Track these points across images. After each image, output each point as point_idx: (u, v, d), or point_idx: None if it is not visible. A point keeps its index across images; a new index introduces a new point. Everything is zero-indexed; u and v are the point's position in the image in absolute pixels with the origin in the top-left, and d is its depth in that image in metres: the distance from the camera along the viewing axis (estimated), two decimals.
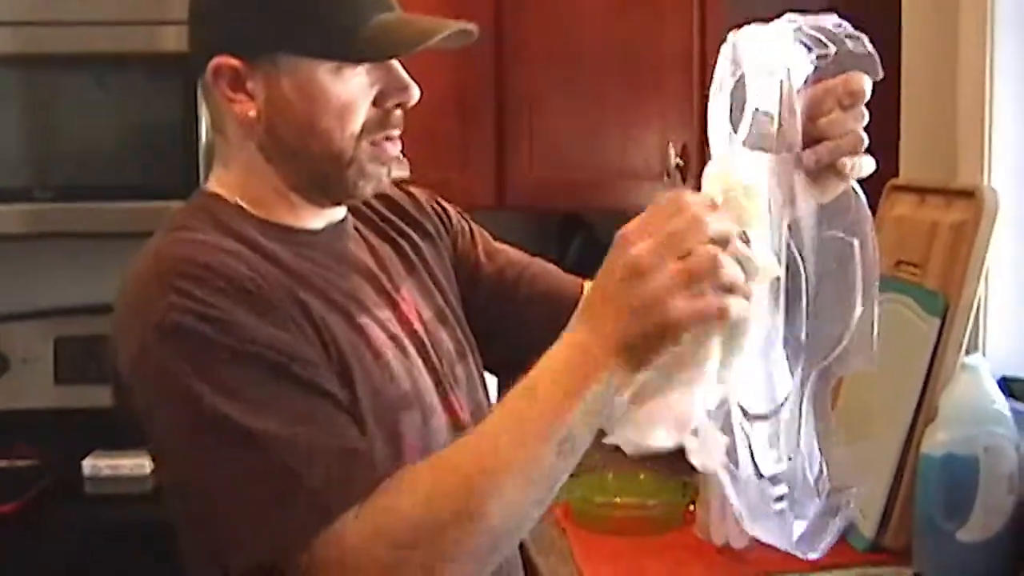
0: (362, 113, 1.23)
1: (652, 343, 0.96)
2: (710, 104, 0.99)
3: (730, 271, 0.94)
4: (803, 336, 1.01)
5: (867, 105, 1.06)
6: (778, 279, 0.99)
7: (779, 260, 0.99)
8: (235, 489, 1.06)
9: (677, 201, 0.97)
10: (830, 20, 1.03)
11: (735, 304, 0.94)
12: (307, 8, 1.20)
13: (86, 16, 2.40)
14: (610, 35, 2.53)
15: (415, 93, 1.25)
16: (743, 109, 1.00)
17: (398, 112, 1.26)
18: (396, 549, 1.02)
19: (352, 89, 1.22)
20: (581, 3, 2.55)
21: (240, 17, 1.22)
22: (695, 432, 0.96)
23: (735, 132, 0.99)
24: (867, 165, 1.07)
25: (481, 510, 1.01)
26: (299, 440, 1.06)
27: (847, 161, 1.05)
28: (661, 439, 0.96)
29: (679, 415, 0.96)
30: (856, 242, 1.02)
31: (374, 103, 1.24)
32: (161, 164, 2.35)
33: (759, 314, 0.98)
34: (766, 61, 1.00)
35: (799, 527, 0.99)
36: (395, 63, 1.25)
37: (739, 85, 1.00)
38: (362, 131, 1.23)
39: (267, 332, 1.11)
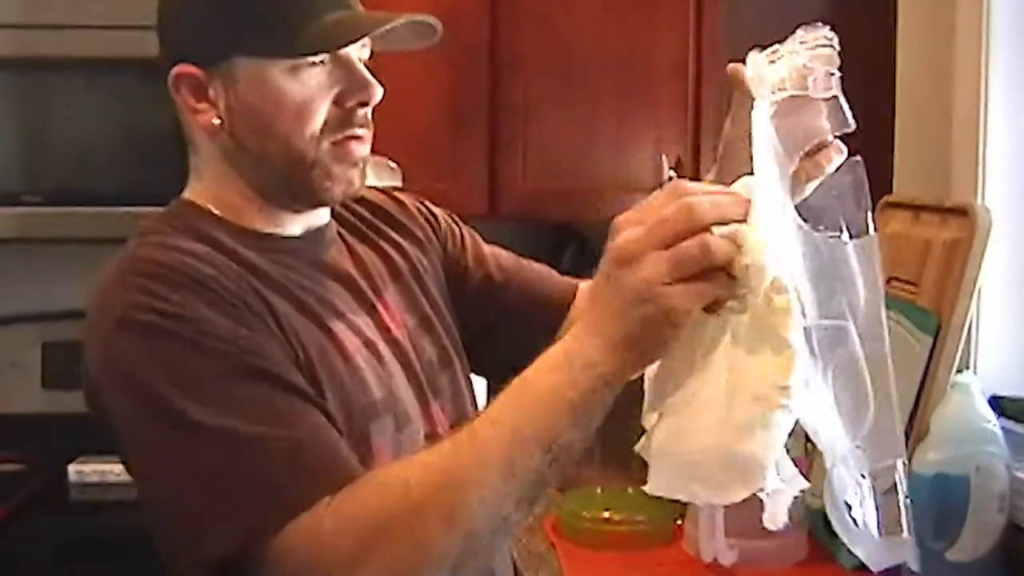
0: (321, 113, 1.21)
1: (650, 333, 0.91)
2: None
3: (723, 250, 0.89)
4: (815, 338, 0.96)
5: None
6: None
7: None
8: (199, 483, 1.05)
9: (674, 190, 0.92)
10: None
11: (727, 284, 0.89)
12: (257, 10, 1.19)
13: (77, 20, 2.39)
14: (604, 45, 2.53)
15: (377, 91, 1.23)
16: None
17: (361, 111, 1.24)
18: (369, 538, 1.00)
19: (309, 89, 1.20)
20: (576, 13, 2.55)
21: (193, 25, 1.22)
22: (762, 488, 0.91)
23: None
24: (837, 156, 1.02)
25: (459, 505, 0.98)
26: (264, 435, 1.05)
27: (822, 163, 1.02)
28: (703, 494, 0.92)
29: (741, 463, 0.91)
30: (846, 235, 0.97)
31: (335, 103, 1.22)
32: (152, 169, 2.33)
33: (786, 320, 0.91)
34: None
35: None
36: (355, 61, 1.23)
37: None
38: (322, 131, 1.21)
39: (230, 328, 1.11)
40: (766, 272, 0.89)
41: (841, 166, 1.00)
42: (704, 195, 0.91)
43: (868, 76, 2.13)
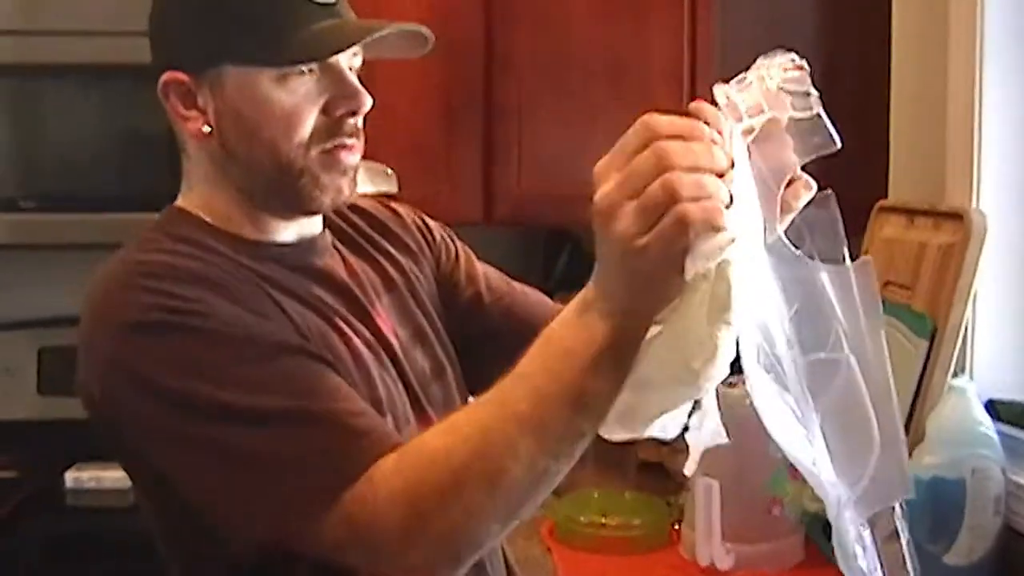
0: (309, 122, 1.20)
1: (645, 281, 0.90)
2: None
3: (688, 182, 0.85)
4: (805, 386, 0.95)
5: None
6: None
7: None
8: (246, 466, 1.06)
9: (644, 129, 0.88)
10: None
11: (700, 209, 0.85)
12: (246, 18, 1.18)
13: (72, 26, 2.38)
14: (599, 48, 2.53)
15: (366, 100, 1.22)
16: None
17: (351, 120, 1.23)
18: (421, 509, 1.01)
19: (296, 97, 1.20)
20: (571, 15, 2.55)
21: (182, 32, 1.22)
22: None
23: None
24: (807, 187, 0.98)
25: (498, 470, 0.99)
26: (304, 407, 1.06)
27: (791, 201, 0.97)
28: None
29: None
30: (823, 272, 0.96)
31: (324, 111, 1.21)
32: (146, 175, 2.33)
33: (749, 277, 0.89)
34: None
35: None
36: (344, 70, 1.23)
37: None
38: (311, 140, 1.20)
39: (243, 315, 1.11)
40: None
41: (812, 201, 0.98)
42: (675, 137, 0.88)
43: (862, 80, 2.14)
